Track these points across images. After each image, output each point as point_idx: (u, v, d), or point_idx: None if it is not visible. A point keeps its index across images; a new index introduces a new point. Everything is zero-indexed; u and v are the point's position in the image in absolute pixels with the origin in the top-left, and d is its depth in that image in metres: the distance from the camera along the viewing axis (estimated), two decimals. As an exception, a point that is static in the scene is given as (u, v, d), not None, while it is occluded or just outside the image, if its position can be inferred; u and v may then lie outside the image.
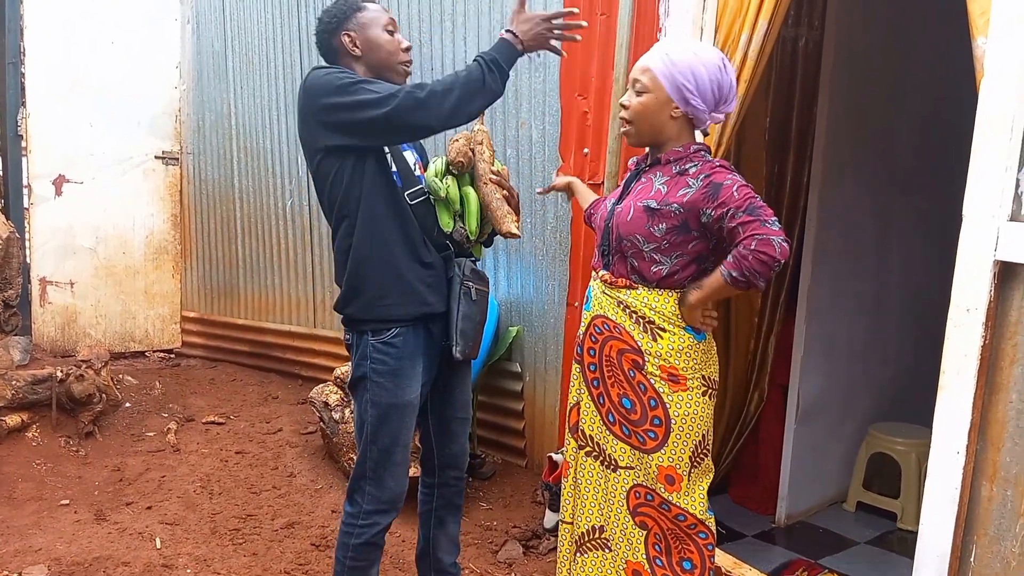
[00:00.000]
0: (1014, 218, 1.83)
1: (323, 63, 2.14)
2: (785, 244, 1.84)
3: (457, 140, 2.19)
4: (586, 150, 3.13)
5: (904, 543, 3.15)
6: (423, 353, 2.15)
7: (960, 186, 1.89)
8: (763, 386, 3.47)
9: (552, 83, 3.24)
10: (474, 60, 2.02)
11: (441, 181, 2.16)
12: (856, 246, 3.27)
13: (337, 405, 3.46)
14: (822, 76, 3.07)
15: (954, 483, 1.92)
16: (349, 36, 2.11)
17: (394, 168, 2.12)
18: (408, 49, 2.17)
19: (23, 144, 4.74)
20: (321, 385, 3.69)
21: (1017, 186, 1.83)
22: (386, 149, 2.09)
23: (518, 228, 2.15)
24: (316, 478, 3.50)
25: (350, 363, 2.19)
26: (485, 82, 1.98)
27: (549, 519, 3.06)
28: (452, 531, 2.41)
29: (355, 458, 2.19)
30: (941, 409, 1.94)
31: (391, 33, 2.15)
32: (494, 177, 2.17)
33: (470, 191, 2.19)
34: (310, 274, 4.62)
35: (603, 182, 2.95)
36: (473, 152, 2.19)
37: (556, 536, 3.02)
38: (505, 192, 2.18)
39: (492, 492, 3.40)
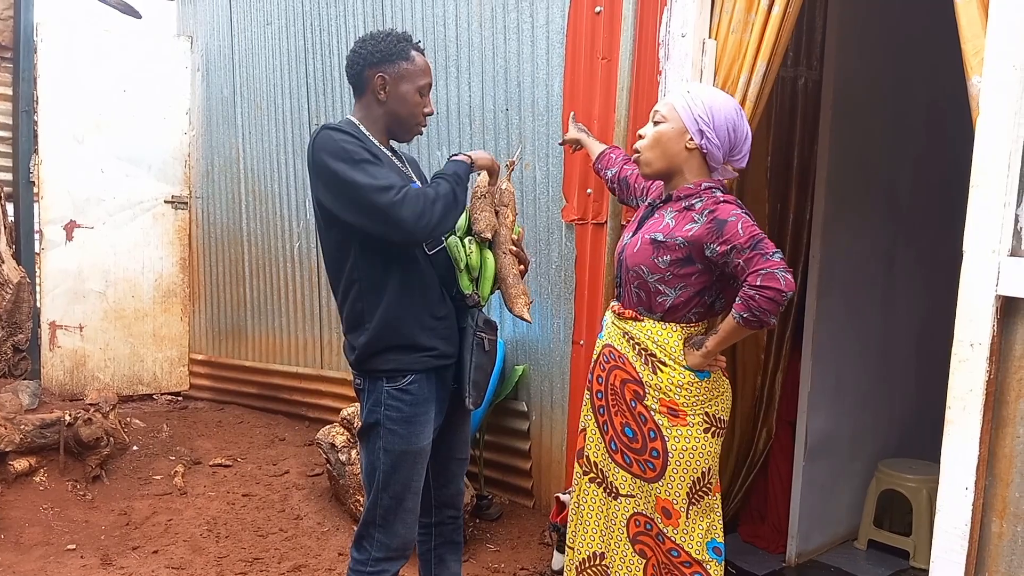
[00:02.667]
0: (1014, 253, 1.85)
1: (330, 123, 2.08)
2: (789, 276, 1.87)
3: (484, 209, 2.13)
4: (589, 190, 3.16)
5: (917, 582, 3.11)
6: (435, 399, 2.15)
7: (961, 221, 1.91)
8: (771, 423, 3.46)
9: (555, 125, 3.29)
10: (437, 177, 2.05)
11: (464, 243, 2.12)
12: (860, 282, 3.28)
13: (344, 446, 3.45)
14: (822, 114, 3.11)
15: (964, 520, 1.91)
16: (383, 78, 2.07)
17: None
18: (429, 115, 2.17)
19: (35, 190, 4.82)
20: (328, 426, 3.68)
21: (1016, 221, 1.85)
22: None
23: (529, 311, 2.12)
24: (323, 520, 3.48)
25: (359, 407, 2.18)
26: (456, 196, 2.03)
27: (557, 561, 3.03)
28: (455, 570, 2.38)
29: (361, 500, 2.18)
30: (948, 445, 1.94)
31: (422, 95, 2.13)
32: (513, 248, 2.15)
33: (488, 256, 2.14)
34: (317, 316, 4.65)
35: (606, 221, 2.98)
36: (496, 214, 2.15)
37: (565, 577, 3.00)
38: (522, 267, 2.17)
39: (499, 533, 3.37)
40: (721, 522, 2.14)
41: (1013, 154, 1.82)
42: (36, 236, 4.86)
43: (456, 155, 2.13)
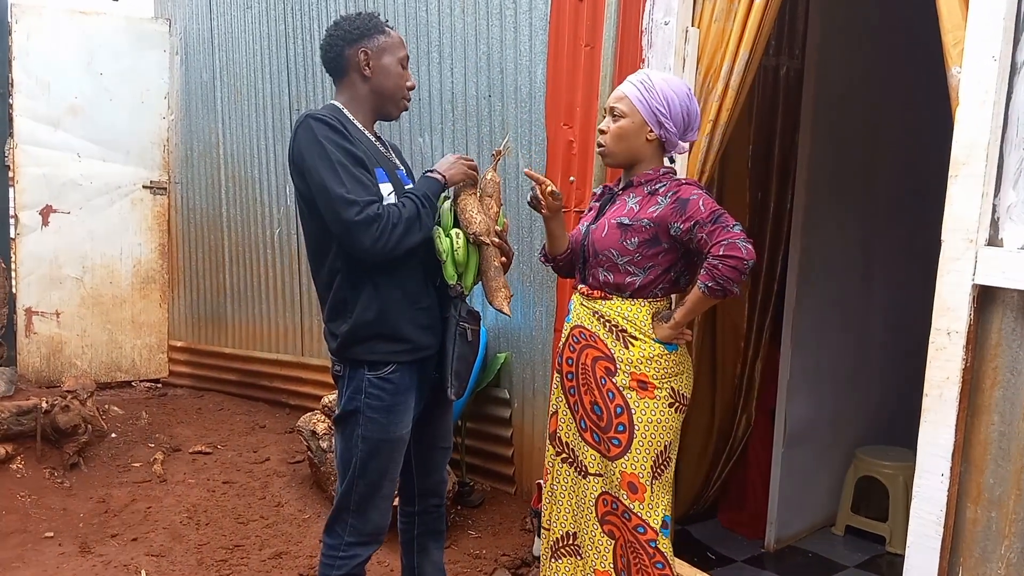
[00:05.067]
0: (991, 243, 1.87)
1: (313, 111, 2.03)
2: (749, 245, 1.97)
3: (475, 209, 2.08)
4: (572, 178, 3.16)
5: (893, 567, 3.15)
6: (416, 388, 2.14)
7: (940, 211, 1.93)
8: (750, 411, 3.49)
9: (538, 113, 3.28)
10: (406, 196, 2.02)
11: (452, 235, 2.07)
12: (840, 271, 3.31)
13: (324, 434, 3.45)
14: (803, 104, 3.12)
15: (939, 506, 1.93)
16: (366, 54, 2.07)
17: None
18: (412, 87, 2.17)
19: (10, 174, 4.74)
20: (308, 414, 3.67)
21: (994, 211, 1.87)
22: (390, 189, 2.04)
23: (509, 305, 2.10)
24: (304, 507, 3.47)
25: (338, 394, 2.17)
26: (420, 218, 2.00)
27: (538, 547, 3.03)
28: (436, 558, 2.39)
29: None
30: (925, 432, 1.96)
31: (403, 67, 2.14)
32: (496, 240, 2.11)
33: (472, 247, 2.11)
34: (298, 303, 4.62)
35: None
36: (480, 204, 2.11)
37: (545, 564, 3.02)
38: (505, 260, 2.15)
39: (481, 520, 3.38)
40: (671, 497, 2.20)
41: (991, 144, 1.84)
42: (11, 221, 4.79)
43: (430, 171, 2.11)
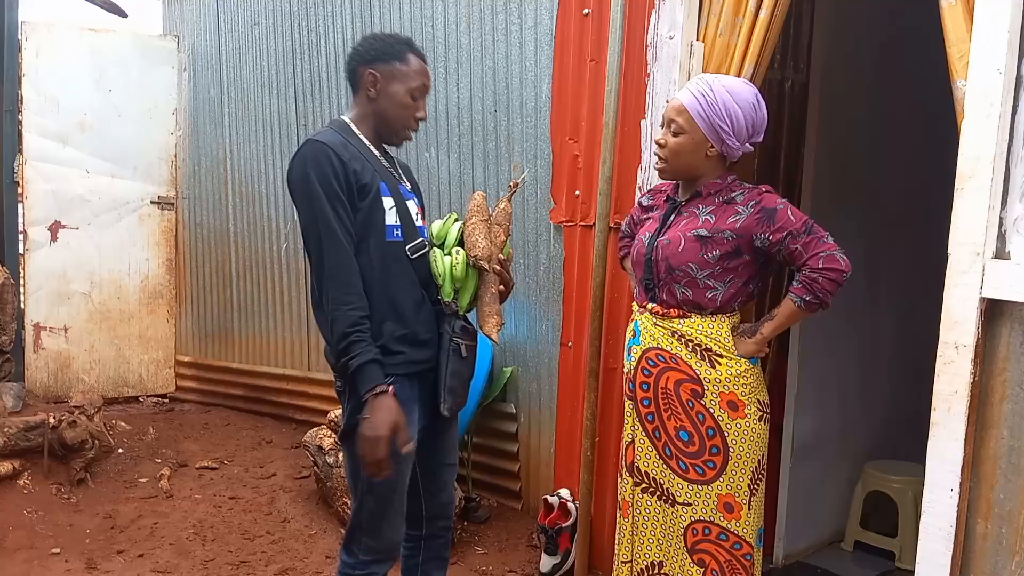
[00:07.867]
0: (999, 256, 1.86)
1: (318, 134, 2.05)
2: (846, 257, 1.95)
3: (481, 233, 2.10)
4: (577, 192, 3.16)
5: (903, 583, 3.12)
6: (418, 401, 2.12)
7: (947, 223, 1.92)
8: (758, 425, 3.47)
9: (543, 127, 3.29)
10: (351, 346, 1.93)
11: (452, 253, 2.09)
12: (847, 283, 3.28)
13: (331, 449, 3.44)
14: (809, 117, 3.12)
15: (948, 521, 1.92)
16: (374, 75, 2.06)
17: (397, 222, 2.07)
18: (421, 119, 2.15)
19: (19, 191, 4.77)
20: (315, 429, 3.67)
21: (1000, 224, 1.86)
22: (391, 203, 2.05)
23: (498, 334, 2.10)
24: (310, 523, 3.46)
25: (342, 410, 2.16)
26: (338, 347, 1.94)
27: (545, 563, 3.03)
28: None
29: (348, 503, 2.15)
30: (933, 447, 1.95)
31: (414, 99, 2.10)
32: (497, 268, 2.11)
33: (472, 269, 2.12)
34: (304, 318, 4.63)
35: (595, 223, 2.98)
36: (489, 231, 2.13)
37: (552, 580, 2.99)
38: (502, 288, 2.15)
39: (487, 536, 3.37)
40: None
41: (997, 157, 1.83)
42: (20, 237, 4.82)
43: (370, 393, 1.92)
